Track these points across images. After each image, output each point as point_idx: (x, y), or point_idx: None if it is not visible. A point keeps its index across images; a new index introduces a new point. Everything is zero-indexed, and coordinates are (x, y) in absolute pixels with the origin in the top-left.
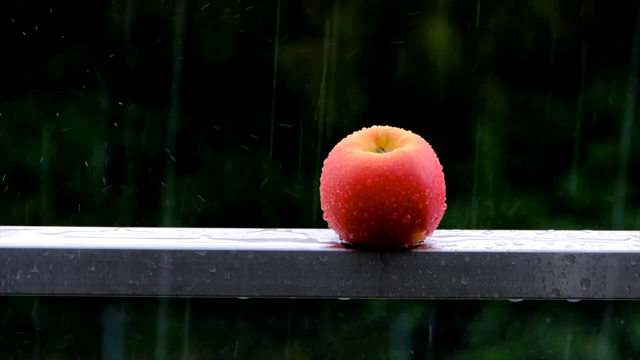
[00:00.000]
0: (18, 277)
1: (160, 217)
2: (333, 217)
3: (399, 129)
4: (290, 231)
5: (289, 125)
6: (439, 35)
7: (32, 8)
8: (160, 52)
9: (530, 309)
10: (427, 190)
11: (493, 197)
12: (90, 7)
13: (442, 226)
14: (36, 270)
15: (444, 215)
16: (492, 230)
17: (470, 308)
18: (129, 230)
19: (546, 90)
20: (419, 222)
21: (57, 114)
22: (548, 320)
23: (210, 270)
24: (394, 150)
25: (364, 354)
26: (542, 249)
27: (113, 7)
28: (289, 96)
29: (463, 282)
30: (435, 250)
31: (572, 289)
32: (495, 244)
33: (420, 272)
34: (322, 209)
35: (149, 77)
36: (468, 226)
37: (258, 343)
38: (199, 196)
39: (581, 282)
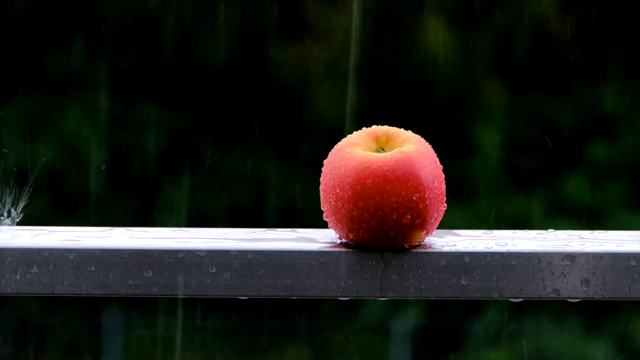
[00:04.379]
0: (18, 277)
1: (160, 217)
2: (333, 217)
3: (399, 129)
4: (290, 231)
5: (288, 125)
6: (438, 34)
7: (32, 8)
8: (160, 52)
9: (530, 309)
10: (427, 191)
11: (493, 197)
12: (90, 7)
13: (442, 226)
14: (36, 270)
15: (444, 215)
16: (492, 230)
17: (470, 308)
18: (129, 230)
19: (546, 90)
20: (419, 222)
21: (57, 114)
22: (548, 320)
23: (210, 270)
24: (394, 150)
25: (364, 354)
26: (542, 249)
27: (112, 6)
28: (288, 96)
29: (463, 282)
30: (435, 250)
31: (572, 289)
32: (495, 244)
33: (420, 272)
34: (322, 209)
35: (148, 77)
36: (468, 226)
37: (258, 343)
38: (199, 196)
39: (581, 282)
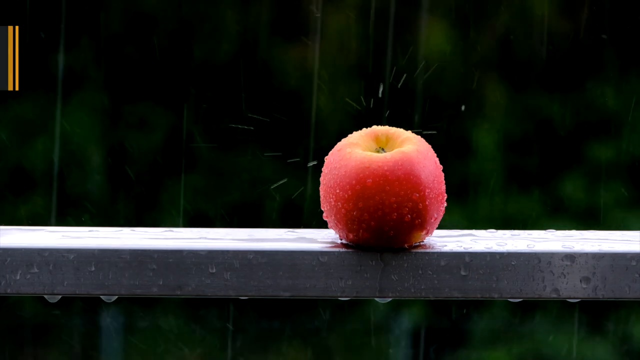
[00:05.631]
0: (18, 277)
1: (160, 217)
2: (333, 217)
3: (398, 129)
4: (291, 231)
5: (289, 126)
6: (439, 35)
7: (32, 8)
8: (160, 52)
9: (531, 309)
10: (427, 190)
11: (493, 197)
12: (90, 7)
13: (442, 226)
14: (36, 270)
15: (444, 215)
16: (492, 230)
17: (470, 308)
18: (129, 230)
19: (546, 90)
20: (419, 222)
21: (58, 114)
22: (548, 320)
23: (210, 270)
24: (394, 151)
25: (364, 354)
26: (542, 249)
27: (112, 6)
28: (288, 96)
29: (463, 282)
30: (435, 250)
31: (572, 289)
32: (495, 244)
33: (420, 272)
34: (322, 209)
35: (148, 77)
36: (468, 226)
37: (258, 343)
38: (199, 196)
39: (581, 282)
